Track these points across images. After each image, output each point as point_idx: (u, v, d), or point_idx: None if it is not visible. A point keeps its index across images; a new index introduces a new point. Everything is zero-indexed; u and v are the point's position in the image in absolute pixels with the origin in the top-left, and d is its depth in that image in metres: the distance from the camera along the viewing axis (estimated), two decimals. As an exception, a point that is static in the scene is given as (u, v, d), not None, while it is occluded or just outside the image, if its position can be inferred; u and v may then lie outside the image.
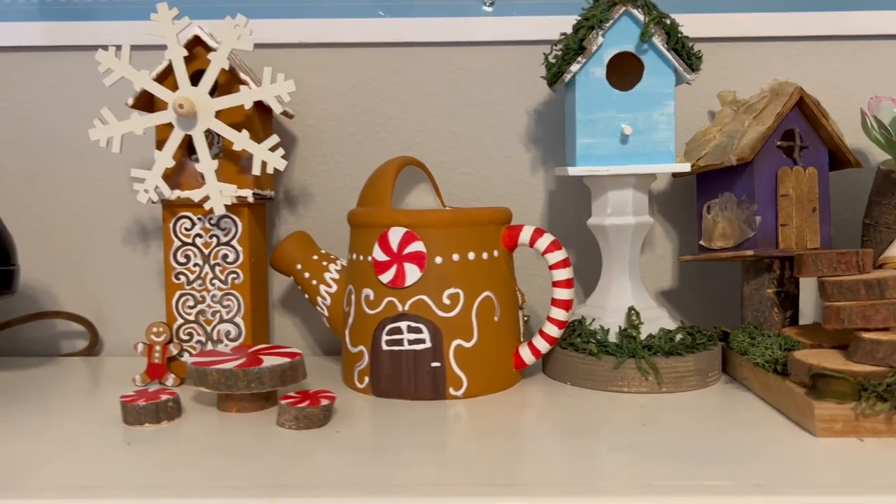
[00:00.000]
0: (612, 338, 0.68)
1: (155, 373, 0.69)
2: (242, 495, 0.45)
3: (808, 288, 0.79)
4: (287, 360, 0.61)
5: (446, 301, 0.63)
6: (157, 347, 0.69)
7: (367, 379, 0.65)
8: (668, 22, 0.67)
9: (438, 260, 0.63)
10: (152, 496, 0.45)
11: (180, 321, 0.70)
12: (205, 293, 0.70)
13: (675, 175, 0.78)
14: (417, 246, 0.63)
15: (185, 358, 0.70)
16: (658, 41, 0.66)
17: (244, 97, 0.65)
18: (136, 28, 0.78)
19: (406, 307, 0.63)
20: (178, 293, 0.70)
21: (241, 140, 0.65)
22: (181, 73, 0.65)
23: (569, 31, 0.74)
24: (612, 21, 0.66)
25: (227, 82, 0.67)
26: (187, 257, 0.70)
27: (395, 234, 0.63)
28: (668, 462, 0.49)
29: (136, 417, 0.58)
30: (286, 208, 0.82)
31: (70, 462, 0.51)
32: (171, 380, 0.69)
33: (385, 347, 0.64)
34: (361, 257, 0.66)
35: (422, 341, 0.63)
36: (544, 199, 0.81)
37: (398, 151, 0.81)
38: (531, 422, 0.58)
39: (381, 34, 0.79)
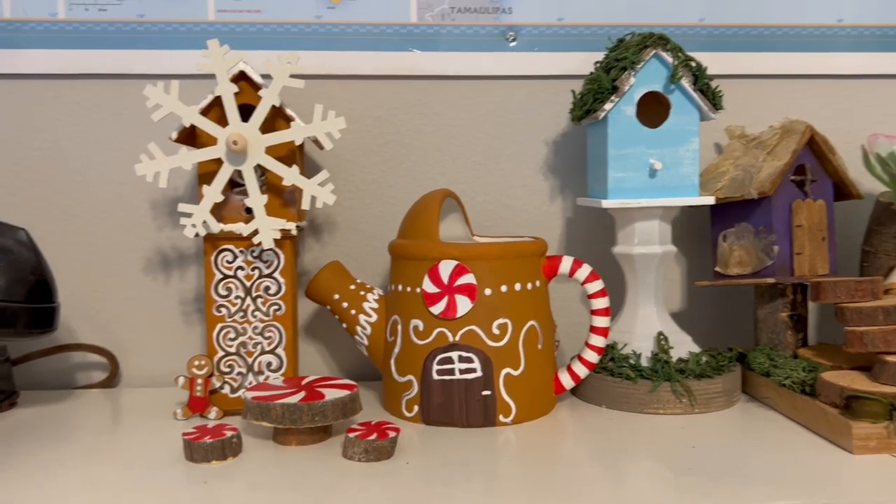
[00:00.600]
0: (644, 362, 0.72)
1: (197, 406, 0.69)
2: None
3: (812, 312, 0.85)
4: (347, 392, 0.62)
5: (496, 331, 0.66)
6: (200, 381, 0.69)
7: (416, 408, 0.67)
8: (694, 64, 0.71)
9: (488, 291, 0.65)
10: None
11: (221, 353, 0.70)
12: (246, 325, 0.70)
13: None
14: (468, 278, 0.65)
15: (226, 390, 0.70)
16: (685, 82, 0.70)
17: (296, 133, 0.66)
18: (146, 57, 0.79)
19: (457, 338, 0.65)
20: (219, 325, 0.70)
21: (291, 175, 0.66)
22: (231, 109, 0.65)
23: (589, 67, 0.78)
24: (643, 63, 0.70)
25: (271, 117, 0.68)
26: (229, 290, 0.70)
27: (446, 267, 0.66)
28: (729, 481, 0.53)
29: (202, 455, 0.58)
30: (311, 237, 0.83)
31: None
32: (213, 413, 0.69)
33: (436, 377, 0.66)
34: (409, 289, 0.67)
35: (473, 370, 0.65)
36: (562, 227, 0.84)
37: (421, 181, 0.83)
38: (585, 445, 0.61)
39: (407, 68, 0.81)
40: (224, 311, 0.70)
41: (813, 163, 0.75)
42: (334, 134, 0.67)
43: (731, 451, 0.59)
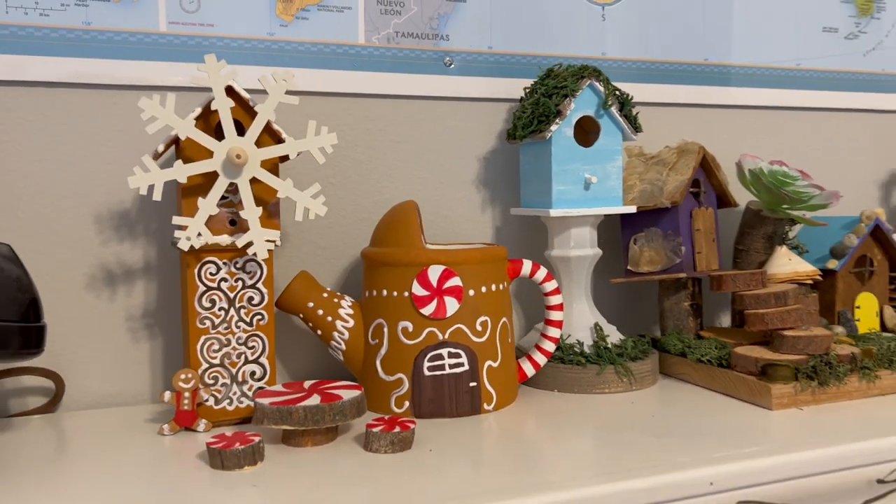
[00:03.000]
0: (587, 350, 0.82)
1: (184, 420, 0.69)
2: None
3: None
4: (359, 392, 0.66)
5: (479, 328, 0.73)
6: (187, 394, 0.69)
7: (406, 403, 0.72)
8: (620, 94, 0.83)
9: (472, 292, 0.73)
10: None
11: (205, 365, 0.70)
12: (230, 336, 0.71)
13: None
14: (455, 281, 0.72)
15: (210, 402, 0.70)
16: (614, 109, 0.83)
17: (290, 148, 0.69)
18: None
19: (446, 336, 0.72)
20: (203, 337, 0.70)
21: (285, 188, 0.69)
22: (228, 124, 0.66)
23: (516, 91, 0.88)
24: (581, 91, 0.81)
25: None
26: (212, 301, 0.70)
27: (435, 272, 0.72)
28: (695, 439, 0.65)
29: (235, 462, 0.59)
30: (259, 248, 0.84)
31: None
32: (202, 425, 0.69)
33: (427, 373, 0.71)
34: (396, 293, 0.72)
35: (461, 365, 0.72)
36: (492, 234, 0.93)
37: (369, 194, 0.88)
38: (563, 423, 0.71)
39: (355, 86, 0.86)
40: (208, 322, 0.70)
41: (703, 177, 0.91)
42: (327, 149, 0.70)
43: (680, 417, 0.71)
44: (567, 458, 0.61)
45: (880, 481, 0.64)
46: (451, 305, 0.72)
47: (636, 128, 0.85)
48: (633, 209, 0.86)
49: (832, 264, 0.92)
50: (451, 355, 0.72)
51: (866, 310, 0.93)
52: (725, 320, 1.05)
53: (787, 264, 0.88)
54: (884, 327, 0.94)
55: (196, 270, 0.70)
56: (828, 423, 0.69)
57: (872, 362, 0.77)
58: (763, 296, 0.81)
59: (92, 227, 0.78)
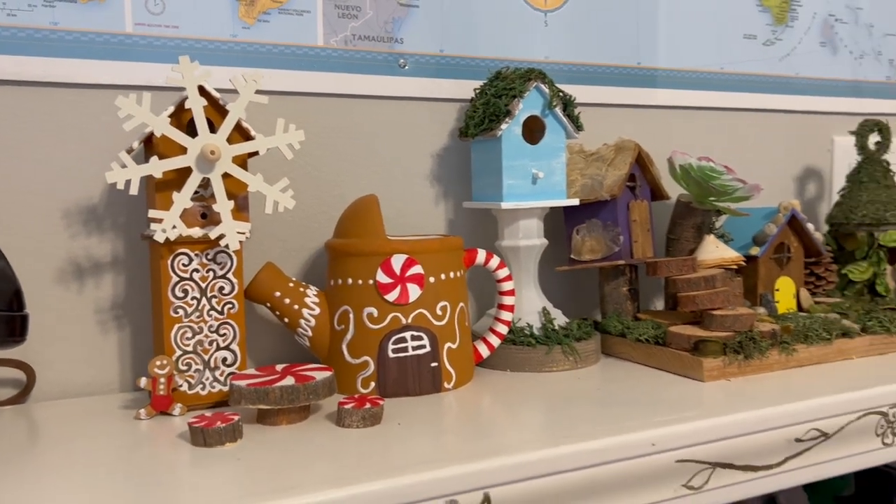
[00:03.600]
0: (536, 332, 0.89)
1: (160, 404, 0.72)
2: (383, 475, 0.56)
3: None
4: (329, 373, 0.71)
5: (439, 312, 0.78)
6: (162, 380, 0.72)
7: (372, 384, 0.77)
8: (563, 95, 0.90)
9: (432, 279, 0.78)
10: (318, 489, 0.54)
11: (179, 352, 0.74)
12: (202, 324, 0.75)
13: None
14: (417, 269, 0.77)
15: (184, 387, 0.74)
16: (558, 109, 0.89)
17: (260, 144, 0.73)
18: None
19: (409, 320, 0.77)
20: (176, 326, 0.73)
21: (256, 182, 0.73)
22: (201, 121, 0.70)
23: (466, 92, 0.94)
24: (528, 92, 0.87)
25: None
26: (185, 291, 0.74)
27: (398, 260, 0.77)
28: (637, 408, 0.71)
29: (217, 439, 0.63)
30: (224, 241, 0.88)
31: (213, 483, 0.57)
32: (177, 409, 0.72)
33: (392, 355, 0.76)
34: (361, 281, 0.77)
35: (423, 347, 0.77)
36: (445, 226, 0.99)
37: (328, 189, 0.92)
38: (518, 399, 0.76)
39: (314, 86, 0.90)
40: (181, 311, 0.74)
41: (638, 172, 0.98)
42: (295, 145, 0.75)
43: (623, 390, 0.78)
44: (523, 427, 0.67)
45: (798, 440, 0.72)
46: (414, 292, 0.77)
47: (578, 127, 0.91)
48: (575, 202, 0.93)
49: (754, 251, 1.01)
50: (413, 338, 0.77)
51: (784, 292, 1.02)
52: (659, 303, 1.13)
53: (714, 251, 0.97)
54: (800, 307, 1.03)
55: (169, 262, 0.73)
56: (752, 392, 0.77)
57: (790, 338, 0.86)
58: (694, 280, 0.88)
59: (60, 222, 0.80)
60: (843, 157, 1.27)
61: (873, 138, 1.16)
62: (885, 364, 0.87)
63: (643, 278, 1.04)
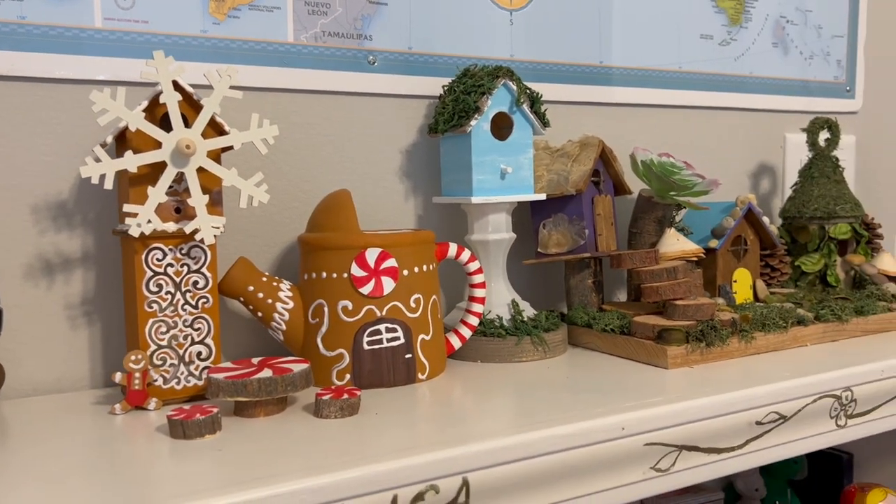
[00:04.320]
0: (506, 323, 0.91)
1: (136, 399, 0.72)
2: (365, 462, 0.57)
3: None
4: (306, 365, 0.72)
5: (413, 304, 0.80)
6: (137, 375, 0.72)
7: (347, 376, 0.78)
8: (530, 92, 0.92)
9: (406, 272, 0.79)
10: (300, 477, 0.55)
11: (154, 347, 0.74)
12: (177, 318, 0.75)
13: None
14: (391, 262, 0.78)
15: (159, 382, 0.74)
16: (525, 106, 0.91)
17: (234, 139, 0.73)
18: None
19: (384, 312, 0.78)
20: (150, 321, 0.73)
21: (230, 177, 0.73)
22: (176, 116, 0.70)
23: (434, 89, 0.96)
24: (496, 89, 0.89)
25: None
26: (159, 286, 0.74)
27: (372, 254, 0.78)
28: (604, 395, 0.74)
29: (196, 431, 0.63)
30: (194, 237, 0.88)
31: (195, 474, 0.57)
32: (153, 403, 0.73)
33: (367, 347, 0.78)
34: (335, 274, 0.78)
35: (397, 339, 0.79)
36: (415, 221, 1.00)
37: (299, 184, 0.93)
38: (488, 387, 0.78)
39: (284, 82, 0.90)
40: (156, 306, 0.74)
41: (602, 168, 1.01)
42: (269, 140, 0.75)
43: (590, 378, 0.81)
44: (496, 414, 0.69)
45: (758, 423, 0.75)
46: (388, 284, 0.78)
47: (545, 123, 0.94)
48: (542, 197, 0.95)
49: (713, 244, 1.04)
50: (388, 330, 0.78)
51: (742, 283, 1.06)
52: (623, 295, 1.16)
53: (675, 244, 1.00)
54: (756, 297, 1.07)
55: (143, 256, 0.73)
56: (714, 377, 0.80)
57: (749, 326, 0.89)
58: (657, 271, 0.91)
59: (29, 218, 0.80)
60: (796, 154, 1.32)
61: (823, 135, 1.20)
62: (836, 350, 0.91)
63: (607, 270, 1.07)
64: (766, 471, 1.22)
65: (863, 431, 0.84)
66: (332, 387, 0.72)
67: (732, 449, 0.74)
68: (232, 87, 0.73)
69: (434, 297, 0.83)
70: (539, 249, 1.00)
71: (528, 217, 1.04)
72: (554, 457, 0.64)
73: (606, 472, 0.67)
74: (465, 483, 0.60)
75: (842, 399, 0.81)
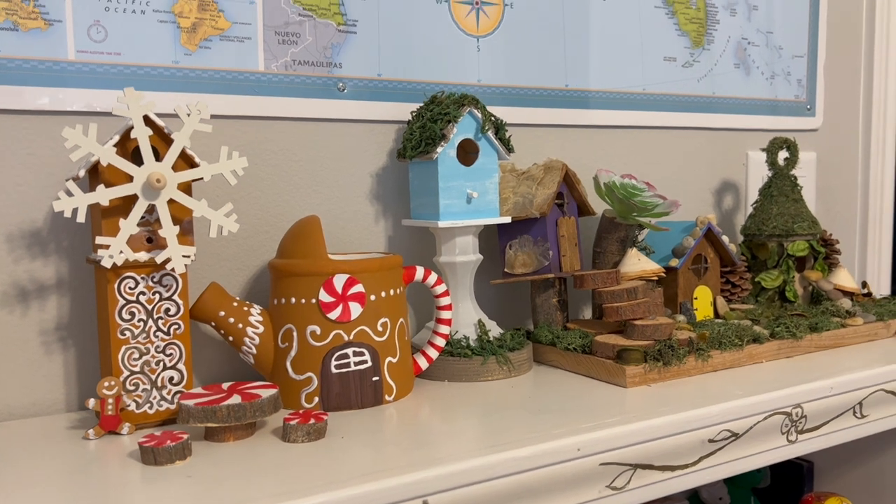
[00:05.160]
0: (472, 343, 0.94)
1: (109, 424, 0.74)
2: (330, 488, 0.59)
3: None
4: (274, 390, 0.74)
5: (380, 328, 0.82)
6: (110, 400, 0.74)
7: (316, 399, 0.80)
8: (494, 119, 0.95)
9: (373, 297, 0.82)
10: (267, 502, 0.58)
11: (126, 373, 0.76)
12: (149, 345, 0.77)
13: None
14: (358, 288, 0.81)
15: (132, 407, 0.76)
16: (490, 132, 0.94)
17: (204, 171, 0.75)
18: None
19: (351, 336, 0.81)
20: (123, 348, 0.76)
21: (200, 208, 0.75)
22: (147, 150, 0.72)
23: (403, 115, 0.98)
24: (462, 117, 0.92)
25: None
26: (132, 314, 0.76)
27: (340, 280, 0.80)
28: (567, 413, 0.77)
29: (167, 457, 0.66)
30: (167, 262, 0.90)
31: (165, 500, 0.60)
32: (126, 428, 0.75)
33: (335, 371, 0.80)
34: (304, 300, 0.81)
35: (365, 362, 0.81)
36: (385, 244, 1.03)
37: (271, 209, 0.95)
38: (454, 407, 0.81)
39: (256, 110, 0.93)
40: (128, 333, 0.76)
41: (566, 190, 1.04)
42: (238, 171, 0.78)
43: (552, 397, 0.84)
44: (458, 436, 0.72)
45: (711, 441, 0.79)
46: (355, 309, 0.81)
47: (509, 149, 0.97)
48: (508, 219, 0.98)
49: (674, 262, 1.08)
50: (355, 354, 0.81)
51: (703, 300, 1.10)
52: (587, 313, 1.19)
53: (636, 264, 1.03)
54: (717, 314, 1.11)
55: (116, 285, 0.75)
56: (671, 396, 0.83)
57: (706, 345, 0.93)
58: (617, 292, 0.95)
59: (4, 246, 0.81)
60: (757, 171, 1.36)
61: (782, 155, 1.25)
62: (790, 367, 0.95)
63: (572, 290, 1.10)
64: (730, 480, 1.25)
65: (814, 446, 0.88)
66: (300, 411, 0.74)
67: (686, 466, 0.77)
68: (202, 121, 0.75)
69: (401, 319, 0.86)
70: (505, 270, 1.03)
71: (495, 237, 1.07)
72: (513, 478, 0.67)
73: (564, 491, 0.70)
74: (426, 506, 0.63)
75: (792, 415, 0.85)
